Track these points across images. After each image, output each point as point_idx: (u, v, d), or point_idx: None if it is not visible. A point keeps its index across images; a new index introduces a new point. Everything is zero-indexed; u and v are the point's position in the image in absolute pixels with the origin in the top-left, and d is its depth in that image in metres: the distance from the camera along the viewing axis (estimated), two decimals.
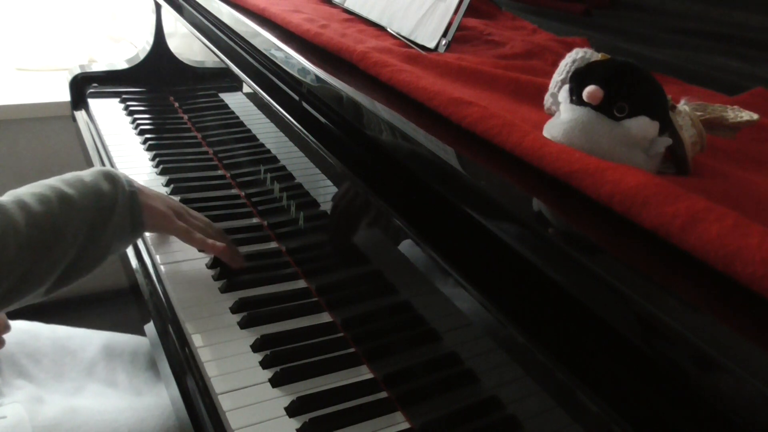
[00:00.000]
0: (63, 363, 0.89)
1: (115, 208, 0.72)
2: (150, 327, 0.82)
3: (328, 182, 0.76)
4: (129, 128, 1.29)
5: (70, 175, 0.72)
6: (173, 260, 0.86)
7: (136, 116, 1.32)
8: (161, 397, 0.84)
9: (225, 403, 0.64)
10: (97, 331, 0.96)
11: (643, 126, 0.47)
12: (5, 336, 0.85)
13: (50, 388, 0.84)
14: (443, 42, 0.78)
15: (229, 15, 0.99)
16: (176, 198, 1.01)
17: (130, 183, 0.75)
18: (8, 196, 0.67)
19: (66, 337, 0.92)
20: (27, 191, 0.68)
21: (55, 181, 0.70)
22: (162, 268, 0.84)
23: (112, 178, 0.74)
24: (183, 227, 0.81)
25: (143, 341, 0.95)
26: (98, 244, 0.70)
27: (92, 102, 1.39)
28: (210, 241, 0.82)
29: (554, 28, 1.00)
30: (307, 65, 0.74)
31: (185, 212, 0.83)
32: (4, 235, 0.63)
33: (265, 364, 0.69)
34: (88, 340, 0.93)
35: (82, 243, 0.69)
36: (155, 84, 1.47)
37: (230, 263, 0.83)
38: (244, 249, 0.88)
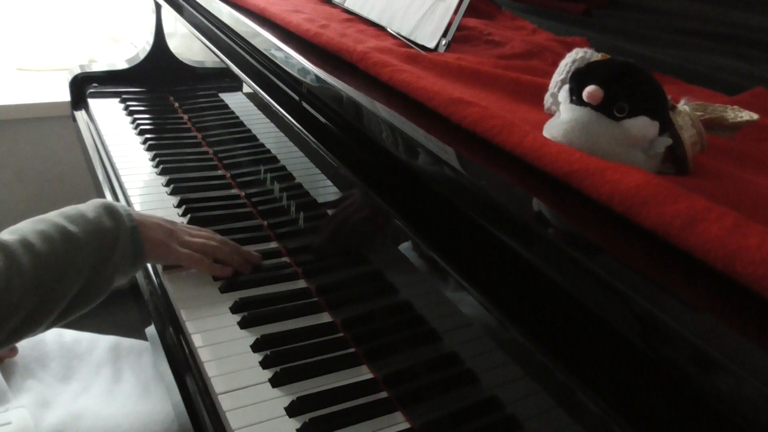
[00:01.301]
0: (70, 366, 0.89)
1: (117, 245, 0.72)
2: (151, 330, 0.82)
3: (328, 182, 0.76)
4: (129, 128, 1.29)
5: (71, 210, 0.72)
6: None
7: (136, 116, 1.32)
8: (166, 400, 0.84)
9: (225, 403, 0.64)
10: (104, 335, 0.96)
11: (643, 126, 0.47)
12: (18, 344, 0.86)
13: (57, 390, 0.84)
14: (443, 42, 0.78)
15: (229, 15, 0.99)
16: (176, 198, 1.01)
17: (131, 217, 0.75)
18: (11, 235, 0.66)
19: (73, 341, 0.93)
20: (30, 228, 0.67)
21: (57, 218, 0.70)
22: (162, 268, 0.84)
23: (114, 213, 0.73)
24: (185, 255, 0.80)
25: (148, 344, 0.95)
26: (100, 279, 0.71)
27: (92, 102, 1.39)
28: (215, 266, 0.82)
29: (554, 28, 1.00)
30: (307, 65, 0.74)
31: (185, 234, 0.82)
32: (10, 278, 0.62)
33: (265, 364, 0.69)
34: (94, 343, 0.94)
35: (85, 280, 0.69)
36: (155, 84, 1.47)
37: (241, 269, 0.83)
38: (245, 249, 0.88)
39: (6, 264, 0.62)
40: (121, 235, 0.72)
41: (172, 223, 0.83)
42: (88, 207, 0.73)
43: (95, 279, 0.70)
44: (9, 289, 0.62)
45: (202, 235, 0.84)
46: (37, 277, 0.64)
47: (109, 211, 0.73)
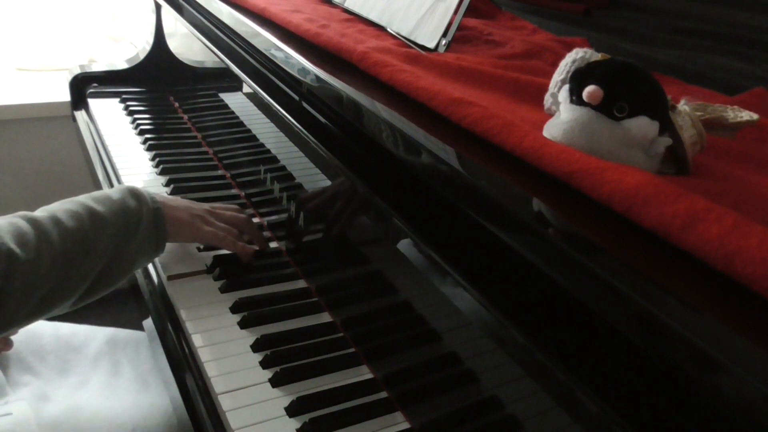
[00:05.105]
0: (68, 359, 0.90)
1: (141, 224, 0.76)
2: (148, 322, 0.82)
3: (328, 182, 0.76)
4: (129, 128, 1.29)
5: (98, 193, 0.77)
6: (173, 260, 0.86)
7: (136, 116, 1.32)
8: (165, 392, 0.84)
9: (225, 403, 0.64)
10: (101, 327, 0.96)
11: (643, 126, 0.47)
12: (12, 337, 0.86)
13: (55, 384, 0.85)
14: (443, 42, 0.78)
15: (229, 15, 0.99)
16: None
17: (154, 199, 0.79)
18: (42, 212, 0.71)
19: (70, 334, 0.94)
20: (60, 207, 0.72)
21: (85, 199, 0.75)
22: (162, 267, 0.84)
23: (137, 195, 0.78)
24: (210, 233, 0.83)
25: (145, 334, 0.95)
26: (124, 258, 0.74)
27: (92, 102, 1.39)
28: (240, 244, 0.85)
29: (554, 28, 1.00)
30: (307, 65, 0.74)
31: (210, 215, 0.85)
32: (40, 249, 0.67)
33: (265, 364, 0.69)
34: (91, 336, 0.95)
35: (110, 257, 0.73)
36: (155, 84, 1.47)
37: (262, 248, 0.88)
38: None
39: (37, 237, 0.67)
40: (144, 216, 0.76)
41: (199, 203, 0.86)
42: (115, 190, 0.78)
43: (119, 257, 0.74)
44: (39, 260, 0.66)
45: (227, 216, 0.87)
46: (64, 250, 0.69)
47: (134, 193, 0.78)
